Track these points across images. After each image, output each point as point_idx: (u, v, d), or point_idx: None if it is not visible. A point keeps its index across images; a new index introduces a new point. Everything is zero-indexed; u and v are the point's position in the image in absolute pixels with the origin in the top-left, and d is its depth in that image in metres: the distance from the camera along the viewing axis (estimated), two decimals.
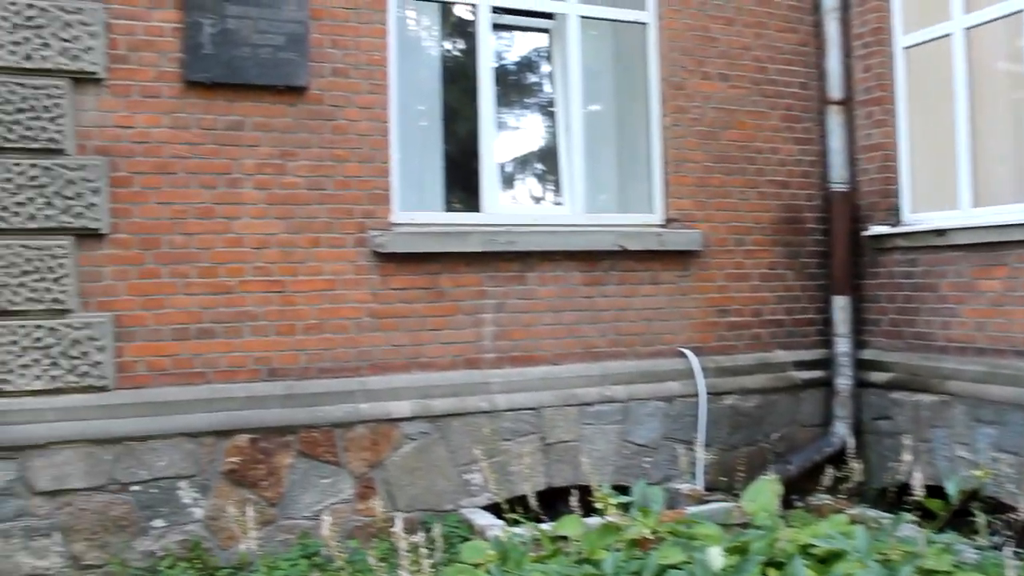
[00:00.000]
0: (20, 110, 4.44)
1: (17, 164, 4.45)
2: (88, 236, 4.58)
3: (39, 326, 4.50)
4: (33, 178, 4.47)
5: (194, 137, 4.75)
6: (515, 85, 6.52)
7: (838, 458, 5.66)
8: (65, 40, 4.51)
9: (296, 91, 4.90)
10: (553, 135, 6.09)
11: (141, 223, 4.67)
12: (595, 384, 5.50)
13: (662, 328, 5.77)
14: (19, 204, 4.46)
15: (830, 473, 4.91)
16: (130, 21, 4.67)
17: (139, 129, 4.67)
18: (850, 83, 6.19)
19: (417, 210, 5.35)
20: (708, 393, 5.73)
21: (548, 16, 5.96)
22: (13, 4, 4.45)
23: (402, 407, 5.01)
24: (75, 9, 4.54)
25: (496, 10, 5.55)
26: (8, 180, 4.43)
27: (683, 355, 5.78)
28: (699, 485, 5.61)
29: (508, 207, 5.52)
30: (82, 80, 4.57)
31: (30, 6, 4.47)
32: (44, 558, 4.40)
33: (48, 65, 4.48)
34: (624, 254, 5.61)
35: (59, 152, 4.52)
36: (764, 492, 4.18)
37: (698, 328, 5.87)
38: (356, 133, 5.02)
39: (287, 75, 4.85)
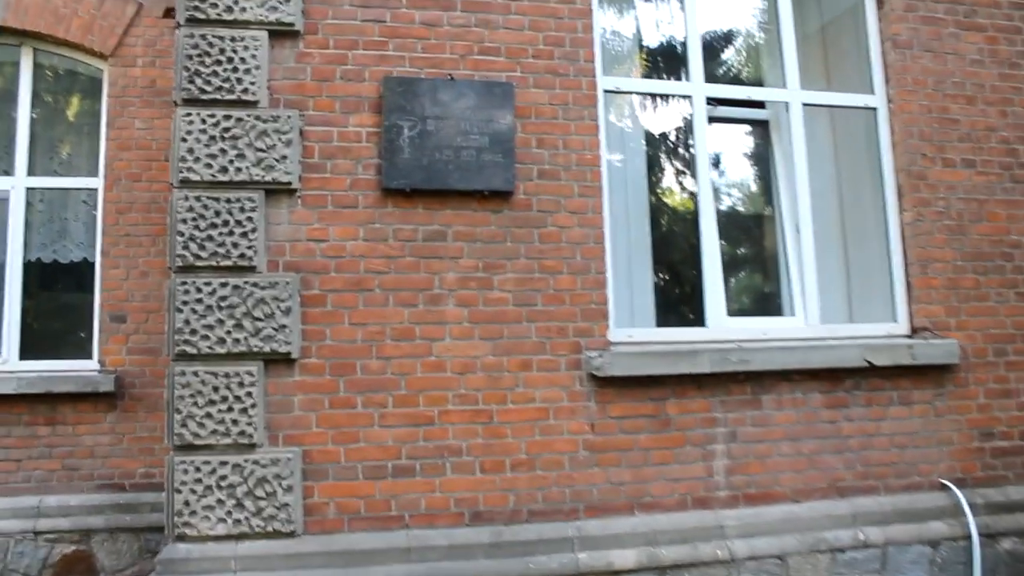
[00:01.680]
0: (212, 225, 3.94)
1: (208, 284, 3.92)
2: (277, 361, 3.99)
3: (224, 462, 3.89)
4: (223, 299, 3.93)
5: (391, 250, 4.14)
6: (727, 182, 5.72)
7: None
8: (260, 150, 4.02)
9: (501, 196, 4.25)
10: (772, 236, 5.24)
11: (334, 346, 4.04)
12: (845, 525, 4.46)
13: (917, 456, 4.71)
14: (207, 327, 3.91)
15: None
16: (325, 127, 4.16)
17: (333, 242, 4.10)
18: None
19: (631, 326, 4.56)
20: (979, 535, 4.59)
21: (761, 105, 5.20)
22: (212, 116, 4.00)
23: (626, 557, 4.11)
24: (271, 117, 4.06)
25: (710, 101, 4.81)
26: (198, 301, 3.90)
27: (945, 488, 4.69)
28: None
29: (736, 321, 4.65)
30: (275, 191, 4.05)
31: (227, 117, 4.02)
32: None
33: (242, 177, 3.99)
34: (870, 371, 4.63)
35: (250, 270, 3.98)
36: None
37: (959, 455, 4.78)
38: (568, 241, 4.31)
39: (492, 179, 4.21)
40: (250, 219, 3.97)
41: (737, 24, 5.67)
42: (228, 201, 3.96)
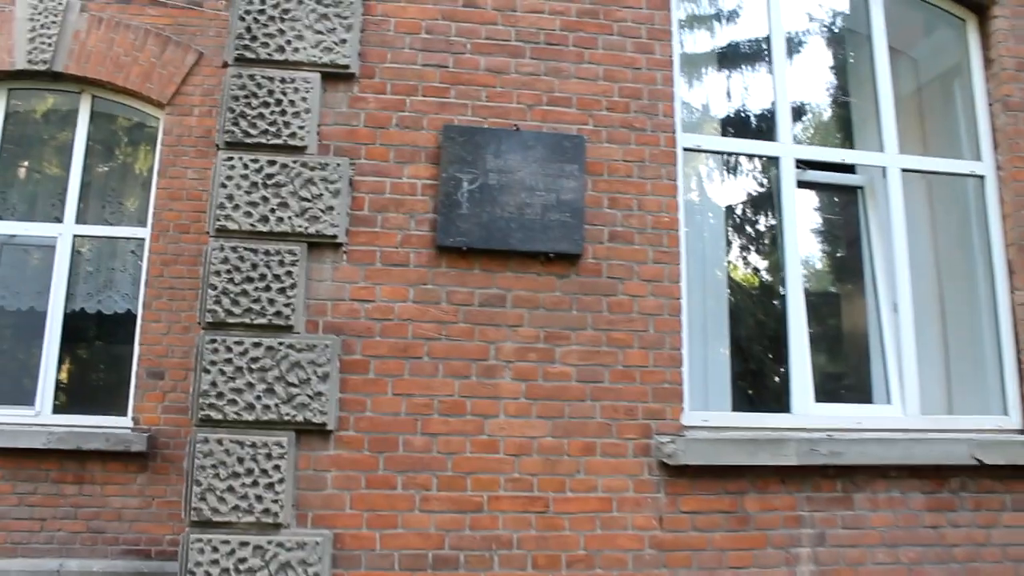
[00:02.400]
0: (248, 279, 3.53)
1: (239, 343, 3.49)
2: (311, 432, 3.54)
3: (244, 543, 3.42)
4: (254, 360, 3.50)
5: (444, 314, 3.68)
6: (812, 253, 5.17)
7: None
8: (305, 199, 3.63)
9: (568, 259, 3.79)
10: (863, 313, 4.67)
11: (374, 419, 3.58)
12: None
13: None
14: (236, 391, 3.48)
15: None
16: (377, 178, 3.76)
17: (379, 303, 3.66)
18: None
19: (705, 409, 4.02)
20: None
21: (851, 170, 4.69)
22: (255, 161, 3.63)
23: None
24: (319, 165, 3.67)
25: (799, 164, 4.31)
26: (228, 362, 3.48)
27: None
28: None
29: (825, 408, 4.08)
30: (319, 245, 3.64)
31: (272, 163, 3.64)
32: None
33: (284, 228, 3.59)
34: (979, 470, 4.00)
35: (286, 329, 3.55)
36: None
37: None
38: (640, 312, 3.81)
39: (558, 240, 3.75)
40: (290, 274, 3.56)
41: (821, 87, 5.21)
42: (267, 253, 3.56)
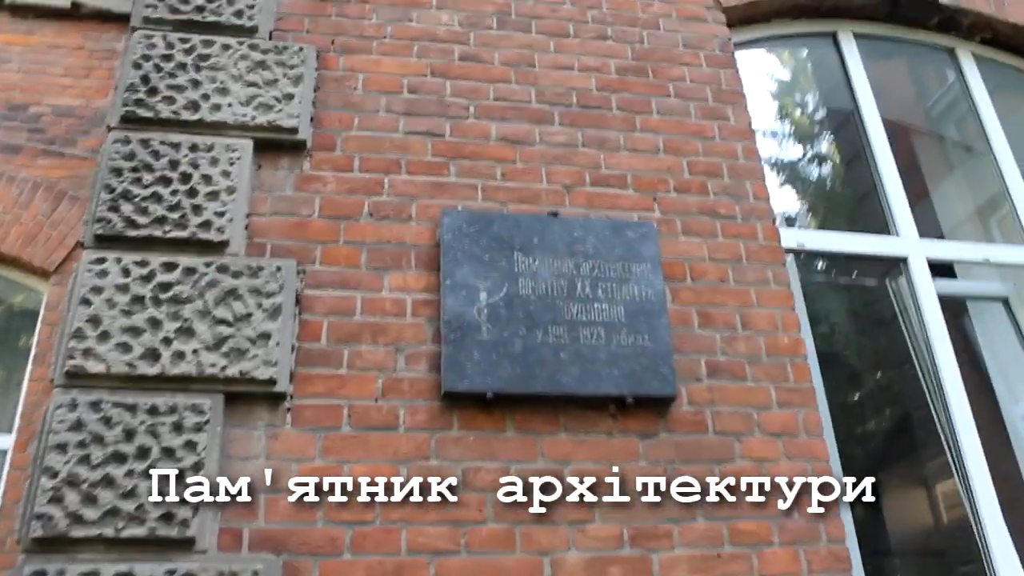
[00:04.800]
0: (116, 457, 1.93)
1: (93, 573, 1.87)
2: None
3: None
4: None
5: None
6: None
7: None
8: (223, 322, 2.15)
9: (654, 406, 2.32)
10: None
11: None
12: None
13: None
14: None
15: None
16: (342, 291, 2.33)
17: (350, 495, 2.10)
18: None
19: None
20: None
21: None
22: (142, 264, 2.18)
23: None
24: (247, 269, 2.23)
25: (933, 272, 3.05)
26: None
27: None
28: None
29: None
30: (245, 396, 2.13)
31: (170, 266, 2.19)
32: None
33: (185, 369, 2.08)
34: None
35: (184, 546, 1.96)
36: None
37: None
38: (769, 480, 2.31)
39: (635, 377, 2.30)
40: (191, 446, 1.99)
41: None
42: (152, 411, 2.01)
